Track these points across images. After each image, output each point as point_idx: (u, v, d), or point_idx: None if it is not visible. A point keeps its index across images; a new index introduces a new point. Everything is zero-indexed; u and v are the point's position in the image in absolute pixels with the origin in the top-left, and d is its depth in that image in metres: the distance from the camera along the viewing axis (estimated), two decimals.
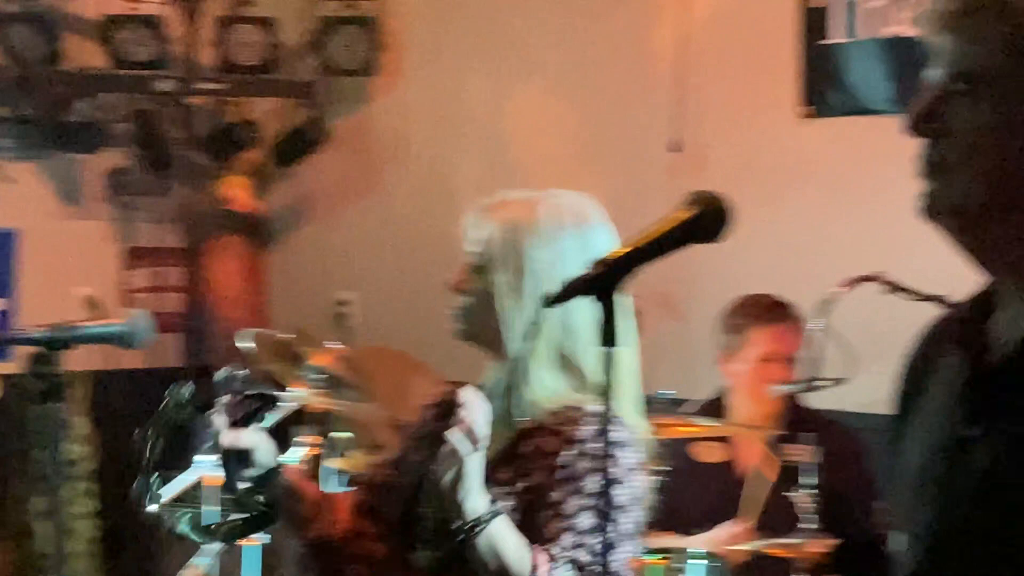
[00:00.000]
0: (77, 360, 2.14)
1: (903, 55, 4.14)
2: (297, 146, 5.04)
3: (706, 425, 3.29)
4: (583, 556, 1.87)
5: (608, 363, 1.43)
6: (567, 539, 1.87)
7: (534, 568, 1.83)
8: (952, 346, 1.29)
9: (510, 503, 1.96)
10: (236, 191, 5.10)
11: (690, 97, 4.48)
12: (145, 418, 2.17)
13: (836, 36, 4.17)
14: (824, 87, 4.24)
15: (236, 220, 5.12)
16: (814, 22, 4.21)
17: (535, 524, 1.92)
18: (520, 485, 1.95)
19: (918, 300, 3.06)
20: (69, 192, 4.92)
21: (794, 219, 4.09)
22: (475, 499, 1.79)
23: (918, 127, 1.23)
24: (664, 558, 2.98)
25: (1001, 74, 1.19)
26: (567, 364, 1.99)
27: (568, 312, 1.94)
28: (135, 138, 4.68)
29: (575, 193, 2.10)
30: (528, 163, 4.81)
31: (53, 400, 1.99)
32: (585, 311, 1.87)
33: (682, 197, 1.47)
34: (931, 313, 2.86)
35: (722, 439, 3.37)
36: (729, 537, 3.29)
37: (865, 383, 3.10)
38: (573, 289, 1.45)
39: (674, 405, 3.46)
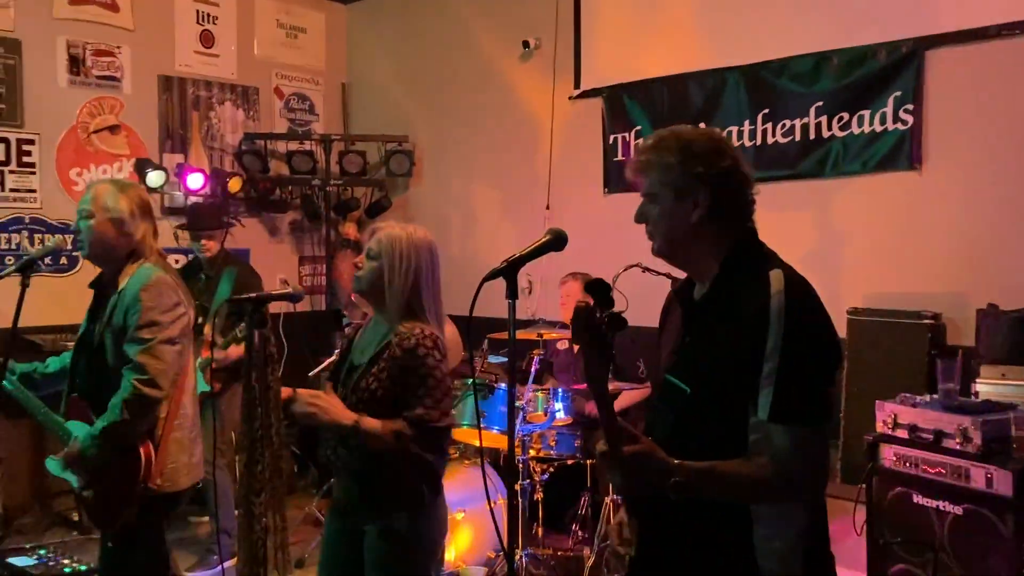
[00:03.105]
0: (275, 308, 2.44)
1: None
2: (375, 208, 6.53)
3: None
4: (426, 416, 2.30)
5: (512, 312, 1.74)
6: (414, 406, 2.30)
7: (398, 428, 2.27)
8: (677, 299, 1.83)
9: (375, 384, 2.34)
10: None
11: (555, 182, 5.96)
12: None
13: (618, 156, 5.63)
14: (613, 177, 5.66)
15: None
16: (610, 149, 5.71)
17: (394, 390, 2.31)
18: (383, 375, 2.34)
19: (657, 276, 3.92)
20: None
21: (600, 242, 4.83)
22: (342, 422, 2.26)
23: (637, 219, 1.77)
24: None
25: (661, 192, 1.74)
26: (412, 309, 2.39)
27: (420, 280, 2.35)
28: None
29: (414, 224, 2.44)
30: (480, 215, 6.40)
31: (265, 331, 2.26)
32: (429, 283, 2.33)
33: (545, 231, 1.95)
34: (664, 282, 3.96)
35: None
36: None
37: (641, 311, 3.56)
38: (495, 273, 1.83)
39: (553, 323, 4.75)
